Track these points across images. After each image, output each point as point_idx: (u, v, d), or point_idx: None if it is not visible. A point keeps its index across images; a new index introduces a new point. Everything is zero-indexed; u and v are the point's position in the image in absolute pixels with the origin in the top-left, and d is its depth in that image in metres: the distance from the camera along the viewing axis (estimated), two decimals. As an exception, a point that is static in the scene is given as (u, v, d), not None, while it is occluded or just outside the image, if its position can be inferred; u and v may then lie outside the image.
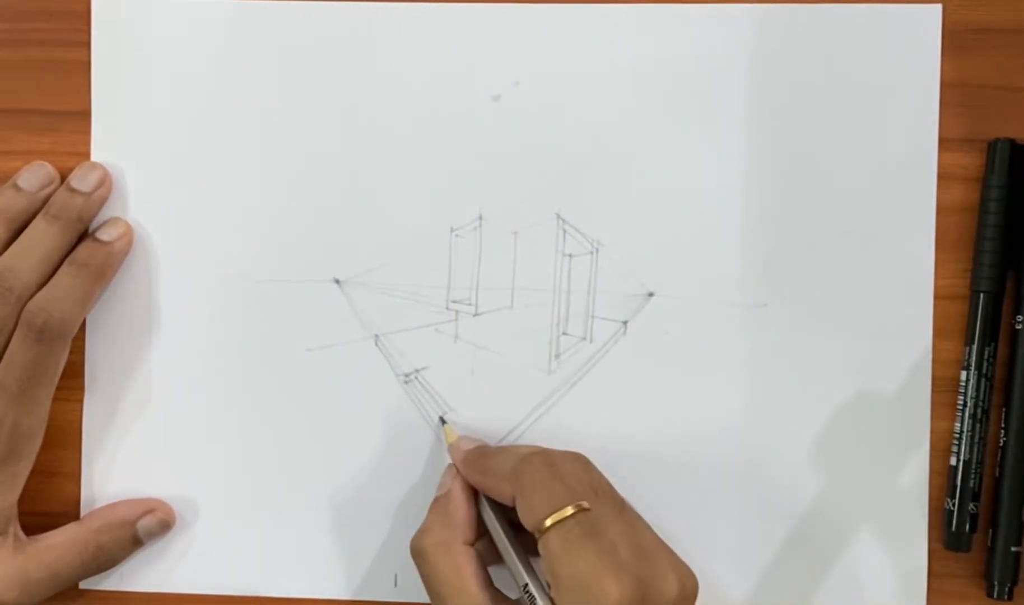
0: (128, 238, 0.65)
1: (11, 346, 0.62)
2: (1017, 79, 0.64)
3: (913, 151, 0.64)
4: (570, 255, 0.65)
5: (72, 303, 0.63)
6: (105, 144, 0.66)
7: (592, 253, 0.65)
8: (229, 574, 0.66)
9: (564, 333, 0.65)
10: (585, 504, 0.56)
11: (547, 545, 0.56)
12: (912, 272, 0.64)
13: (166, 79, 0.66)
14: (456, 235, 0.65)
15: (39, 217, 0.64)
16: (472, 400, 0.65)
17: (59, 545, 0.64)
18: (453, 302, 0.65)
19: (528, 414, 0.65)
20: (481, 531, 0.61)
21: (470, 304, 0.65)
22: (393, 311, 0.65)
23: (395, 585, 0.66)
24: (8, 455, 0.62)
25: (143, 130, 0.66)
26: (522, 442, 0.65)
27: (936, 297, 0.64)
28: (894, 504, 0.65)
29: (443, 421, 0.65)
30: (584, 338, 0.65)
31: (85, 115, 0.66)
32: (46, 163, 0.65)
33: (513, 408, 0.65)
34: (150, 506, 0.65)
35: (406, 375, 0.65)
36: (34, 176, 0.65)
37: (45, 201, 0.65)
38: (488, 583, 0.59)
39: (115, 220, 0.65)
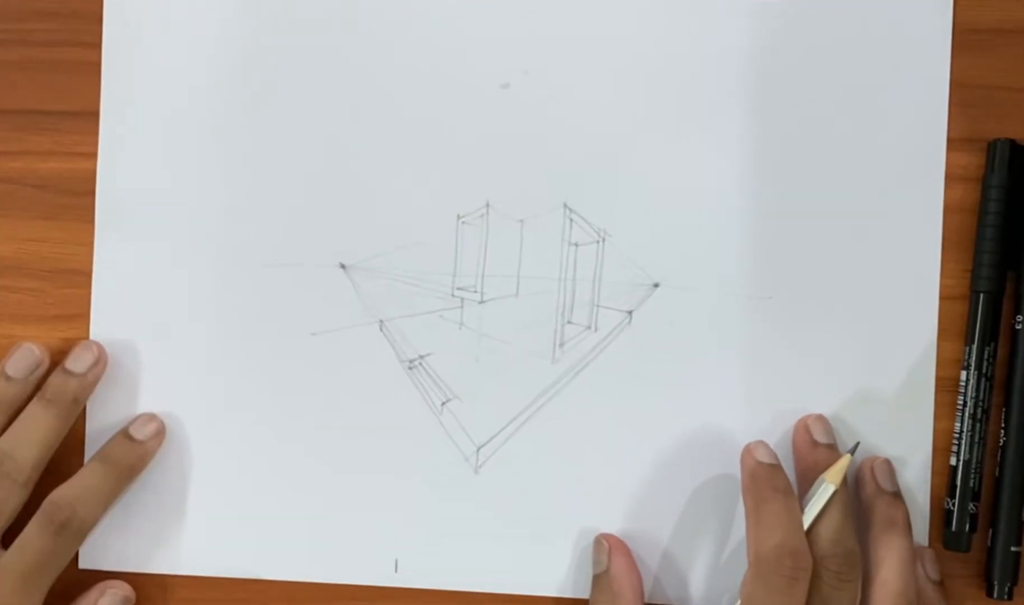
0: (160, 437, 0.65)
1: (26, 532, 0.62)
2: (1018, 79, 0.65)
3: (920, 147, 0.64)
4: (576, 244, 0.65)
5: (98, 501, 0.63)
6: (112, 138, 0.66)
7: (598, 243, 0.65)
8: (228, 557, 0.66)
9: (569, 322, 0.65)
10: None
11: None
12: (917, 271, 0.65)
13: (174, 69, 0.66)
14: (463, 222, 0.65)
15: (35, 400, 0.64)
16: (476, 387, 0.65)
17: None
18: (458, 289, 0.65)
19: (532, 402, 0.65)
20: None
21: (475, 291, 0.65)
22: (398, 297, 0.65)
23: (395, 570, 0.65)
24: None
25: (150, 119, 0.66)
26: (525, 429, 0.65)
27: (939, 297, 0.65)
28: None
29: None
30: (589, 327, 0.65)
31: (85, 115, 0.66)
32: (32, 346, 0.65)
33: (517, 396, 0.65)
34: (104, 587, 0.65)
35: (410, 361, 0.65)
36: (22, 362, 0.64)
37: (37, 385, 0.64)
38: None
39: (147, 417, 0.65)
